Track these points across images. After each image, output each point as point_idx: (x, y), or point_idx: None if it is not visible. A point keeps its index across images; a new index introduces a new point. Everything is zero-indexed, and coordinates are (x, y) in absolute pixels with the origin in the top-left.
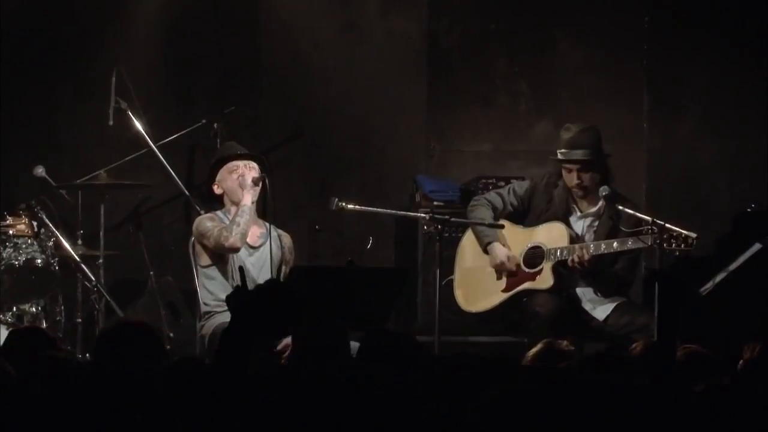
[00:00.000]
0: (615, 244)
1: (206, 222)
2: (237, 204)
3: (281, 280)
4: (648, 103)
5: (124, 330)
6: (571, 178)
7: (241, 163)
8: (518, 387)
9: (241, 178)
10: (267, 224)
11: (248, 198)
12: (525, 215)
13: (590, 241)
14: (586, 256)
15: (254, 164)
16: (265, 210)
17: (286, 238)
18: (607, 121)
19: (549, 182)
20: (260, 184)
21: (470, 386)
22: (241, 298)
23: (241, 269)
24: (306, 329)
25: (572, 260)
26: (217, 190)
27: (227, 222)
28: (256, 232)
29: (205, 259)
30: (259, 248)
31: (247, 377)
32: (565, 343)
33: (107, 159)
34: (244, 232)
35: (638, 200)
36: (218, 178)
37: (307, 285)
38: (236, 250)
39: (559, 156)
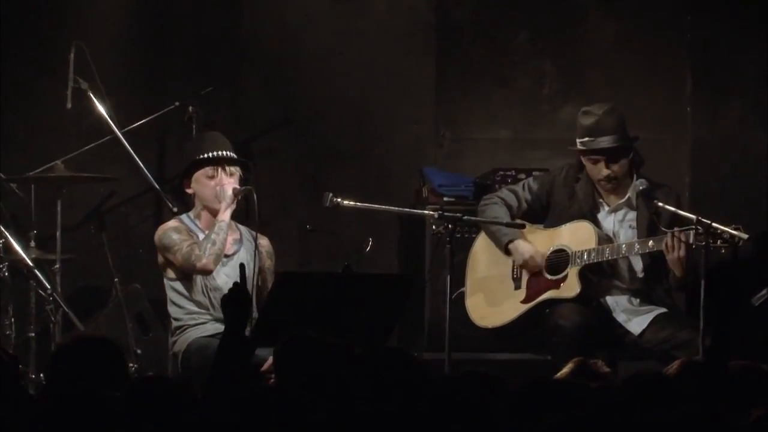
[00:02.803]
0: (650, 243)
1: (172, 234)
2: (209, 210)
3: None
4: (691, 84)
5: (82, 347)
6: (599, 170)
7: (221, 168)
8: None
9: (220, 189)
10: (240, 228)
11: (227, 214)
12: (544, 214)
13: (626, 238)
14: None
15: (236, 169)
16: (247, 219)
17: (263, 240)
18: (645, 105)
19: (569, 175)
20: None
21: (486, 413)
22: (239, 299)
23: (242, 267)
24: (291, 346)
25: (669, 247)
26: (188, 190)
27: (195, 230)
28: (228, 238)
29: (171, 273)
30: (233, 256)
31: (229, 399)
32: (600, 362)
33: (65, 148)
34: (219, 253)
35: (681, 194)
36: (193, 178)
37: (296, 294)
38: (208, 272)
39: (580, 146)
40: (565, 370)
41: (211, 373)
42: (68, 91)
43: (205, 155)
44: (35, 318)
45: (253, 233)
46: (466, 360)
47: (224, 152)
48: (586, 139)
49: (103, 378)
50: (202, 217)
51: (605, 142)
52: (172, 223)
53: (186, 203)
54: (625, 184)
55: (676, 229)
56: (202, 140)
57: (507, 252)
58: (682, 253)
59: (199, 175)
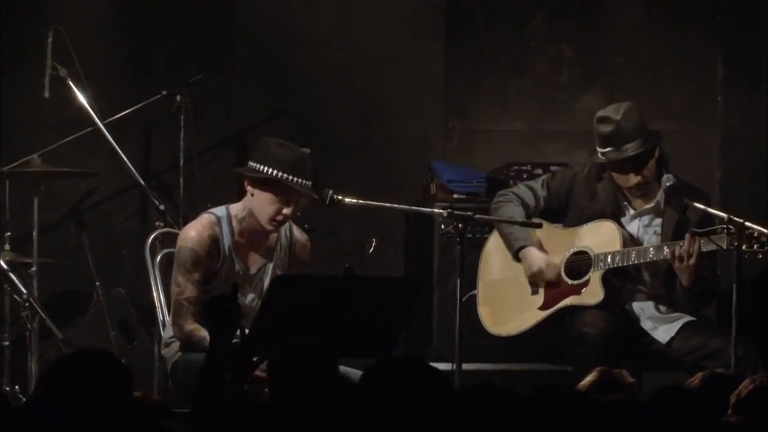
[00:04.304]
0: (688, 243)
1: (187, 258)
2: (257, 221)
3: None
4: (723, 71)
5: (85, 362)
6: (628, 179)
7: (294, 197)
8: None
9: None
10: (281, 229)
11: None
12: (563, 214)
13: (650, 245)
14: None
15: (302, 199)
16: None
17: (301, 245)
18: (672, 94)
19: (590, 174)
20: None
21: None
22: (224, 312)
23: (235, 286)
24: (283, 355)
25: (676, 256)
26: (249, 188)
27: (225, 238)
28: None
29: None
30: (258, 273)
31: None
32: (625, 372)
33: (42, 140)
34: (184, 344)
35: (710, 191)
36: (262, 182)
37: (292, 299)
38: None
39: (603, 158)
40: (588, 380)
41: (194, 394)
42: (46, 78)
43: (293, 179)
44: (10, 325)
45: (295, 230)
46: (477, 371)
47: (309, 183)
48: (609, 149)
49: (105, 397)
50: (244, 223)
51: (631, 149)
52: (201, 230)
53: (170, 201)
54: (654, 187)
55: (709, 228)
56: (291, 154)
57: (517, 258)
58: (692, 261)
59: (275, 186)
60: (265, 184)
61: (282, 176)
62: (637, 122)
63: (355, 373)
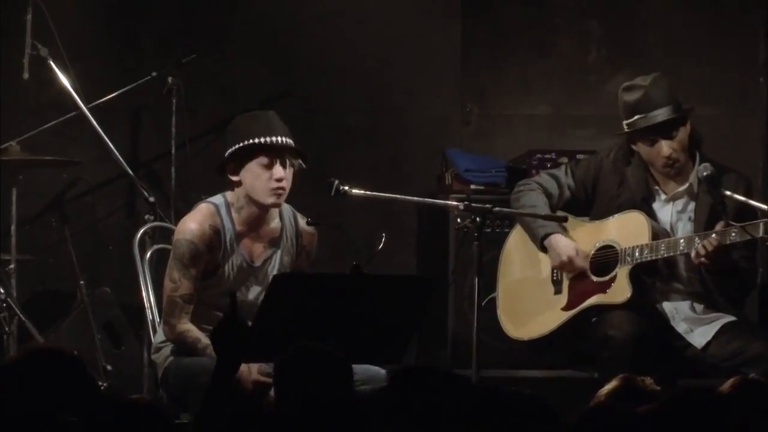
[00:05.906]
0: (714, 237)
1: (185, 252)
2: (256, 205)
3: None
4: (765, 51)
5: (33, 362)
6: (659, 151)
7: (278, 158)
8: None
9: (256, 379)
10: (283, 212)
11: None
12: (589, 205)
13: (685, 232)
14: (711, 246)
15: (297, 161)
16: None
17: (308, 235)
18: (710, 75)
19: (618, 158)
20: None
21: None
22: (231, 334)
23: (233, 296)
24: (290, 361)
25: (697, 253)
26: (233, 177)
27: (227, 230)
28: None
29: None
30: (264, 266)
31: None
32: (649, 380)
33: (20, 126)
34: (175, 343)
35: (752, 180)
36: (244, 167)
37: (296, 299)
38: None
39: (629, 128)
40: (608, 387)
41: (200, 414)
42: (25, 58)
43: (262, 140)
44: None
45: (298, 217)
46: (497, 377)
47: (284, 139)
48: (636, 117)
49: (64, 401)
50: (243, 212)
51: (661, 115)
52: (202, 221)
53: (165, 192)
54: (686, 168)
55: (748, 223)
56: (255, 121)
57: (543, 248)
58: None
59: (253, 164)
60: (243, 159)
61: (253, 141)
62: (667, 90)
63: (377, 372)
